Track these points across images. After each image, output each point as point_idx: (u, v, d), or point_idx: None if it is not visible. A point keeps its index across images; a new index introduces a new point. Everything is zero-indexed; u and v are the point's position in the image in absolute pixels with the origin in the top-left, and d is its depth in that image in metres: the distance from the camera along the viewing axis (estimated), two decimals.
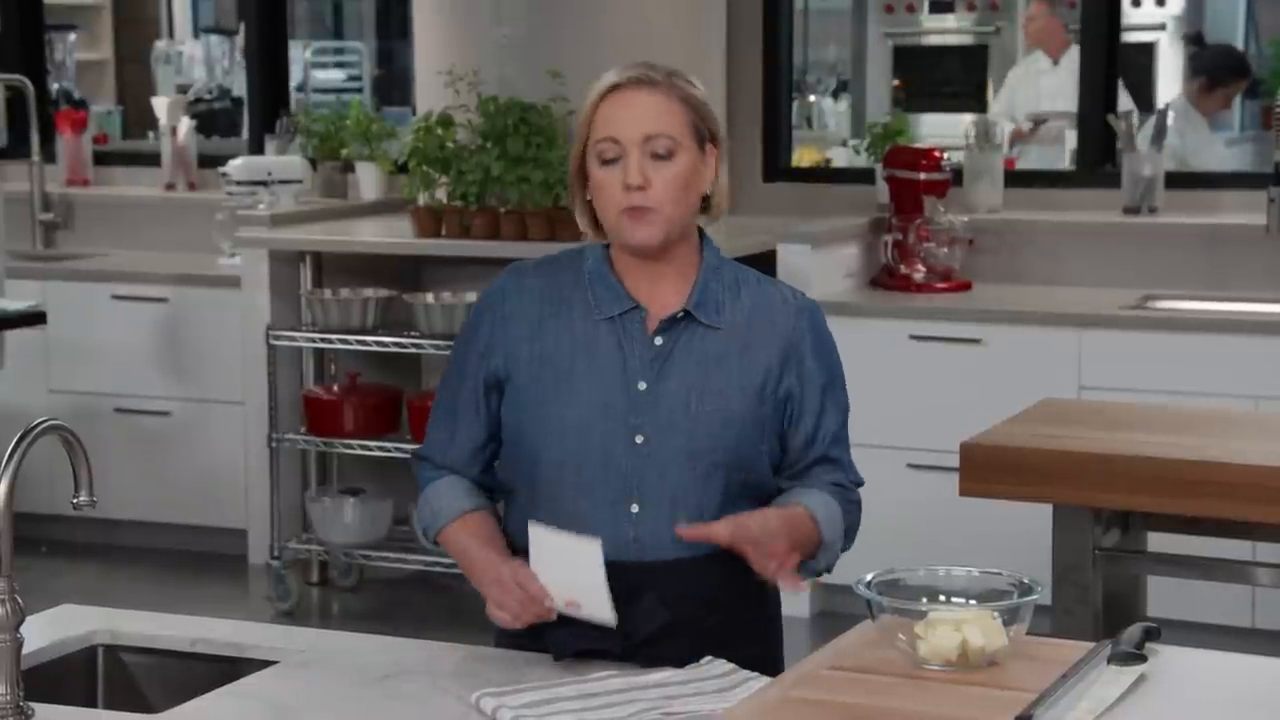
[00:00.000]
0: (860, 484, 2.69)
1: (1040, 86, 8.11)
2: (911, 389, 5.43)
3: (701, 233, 2.64)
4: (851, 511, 2.64)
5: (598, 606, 2.41)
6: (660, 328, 2.57)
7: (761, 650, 2.58)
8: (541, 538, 2.46)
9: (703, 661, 2.46)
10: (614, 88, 2.54)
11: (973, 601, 2.30)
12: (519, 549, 2.62)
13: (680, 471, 2.53)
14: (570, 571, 2.43)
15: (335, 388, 5.87)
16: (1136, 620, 3.99)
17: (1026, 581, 2.31)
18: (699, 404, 2.53)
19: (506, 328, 2.61)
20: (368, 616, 5.75)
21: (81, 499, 2.33)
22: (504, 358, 2.60)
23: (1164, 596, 4.29)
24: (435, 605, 5.85)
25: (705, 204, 2.61)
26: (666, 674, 2.43)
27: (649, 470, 2.53)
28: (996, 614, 2.25)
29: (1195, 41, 8.60)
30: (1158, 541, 4.00)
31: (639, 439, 2.53)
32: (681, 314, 2.57)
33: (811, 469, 2.62)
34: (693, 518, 2.53)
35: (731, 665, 2.44)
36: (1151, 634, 2.30)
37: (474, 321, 2.67)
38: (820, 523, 2.56)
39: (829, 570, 2.62)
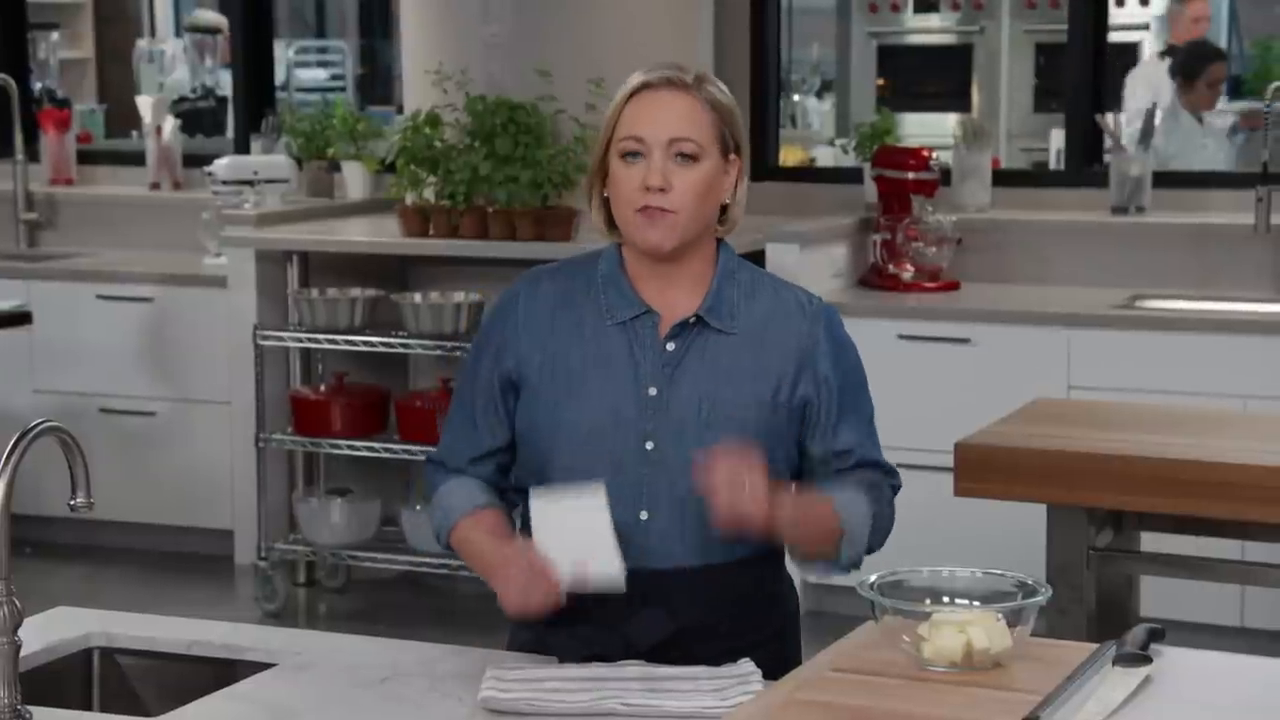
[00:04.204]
0: (897, 486, 2.62)
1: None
2: (900, 389, 5.41)
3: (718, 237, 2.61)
4: (882, 510, 2.58)
5: (606, 564, 2.38)
6: (672, 333, 2.54)
7: (772, 655, 2.54)
8: (544, 503, 2.44)
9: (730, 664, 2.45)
10: (643, 86, 2.52)
11: (976, 603, 2.30)
12: None
13: (690, 480, 2.48)
14: (575, 534, 2.40)
15: (322, 388, 5.85)
16: (1130, 620, 4.01)
17: (1031, 583, 2.30)
18: (711, 411, 2.50)
19: (519, 331, 2.58)
20: (355, 617, 5.73)
21: (79, 500, 2.33)
22: (516, 360, 2.57)
23: (1154, 596, 4.28)
24: (423, 606, 5.83)
25: (723, 213, 2.58)
26: (668, 670, 2.44)
27: (659, 478, 2.50)
28: (1000, 615, 2.24)
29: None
30: (1149, 541, 4.00)
31: (649, 445, 2.50)
32: (694, 319, 2.54)
33: (843, 474, 2.58)
34: (703, 527, 2.50)
35: (751, 668, 2.44)
36: (1155, 635, 2.29)
37: (487, 326, 2.64)
38: (841, 512, 2.53)
39: (856, 566, 2.57)
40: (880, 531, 2.58)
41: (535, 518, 2.46)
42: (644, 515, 2.51)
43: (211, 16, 10.21)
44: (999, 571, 2.34)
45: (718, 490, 2.39)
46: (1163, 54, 8.22)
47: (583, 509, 2.39)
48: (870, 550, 2.58)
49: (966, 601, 2.30)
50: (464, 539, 2.60)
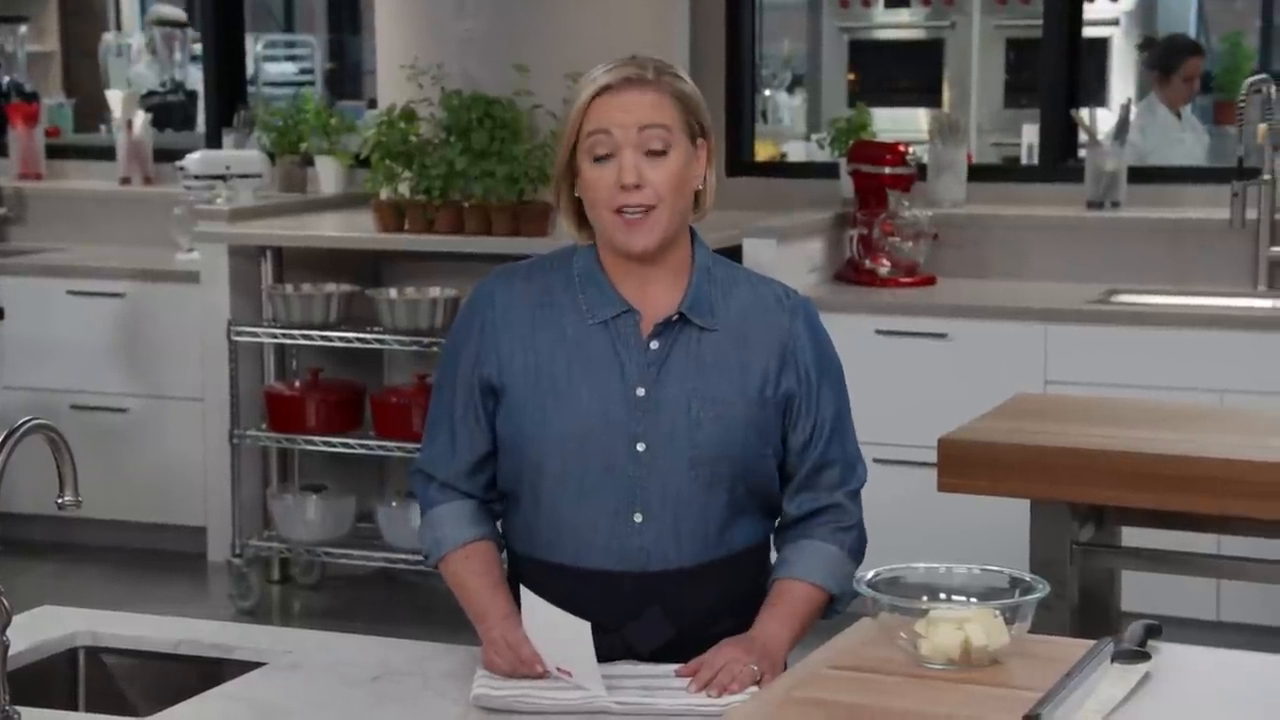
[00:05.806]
0: (858, 485, 2.61)
1: None
2: (877, 384, 5.40)
3: (692, 231, 2.58)
4: (852, 539, 2.58)
5: (589, 680, 2.35)
6: (655, 331, 2.51)
7: None
8: (534, 606, 2.40)
9: None
10: (605, 89, 2.47)
11: (973, 600, 2.29)
12: (519, 555, 2.60)
13: (683, 480, 2.48)
14: (561, 643, 2.37)
15: (297, 384, 5.81)
16: (1112, 615, 4.01)
17: (1028, 579, 2.29)
18: (700, 410, 2.48)
19: (498, 334, 2.54)
20: (330, 614, 5.70)
21: (67, 499, 2.32)
22: (498, 367, 2.53)
23: (1130, 590, 4.28)
24: (398, 602, 5.81)
25: (695, 200, 2.55)
26: (662, 667, 2.43)
27: (651, 479, 2.48)
28: (998, 612, 2.23)
29: (1146, 45, 8.65)
30: (1126, 536, 4.01)
31: (640, 447, 2.48)
32: (676, 316, 2.52)
33: (811, 478, 2.57)
34: (697, 527, 2.50)
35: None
36: (1153, 631, 2.29)
37: (463, 326, 2.59)
38: (825, 583, 2.54)
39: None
40: (857, 553, 2.59)
41: (525, 611, 2.42)
42: (638, 518, 2.49)
43: (172, 11, 10.16)
44: (996, 568, 2.33)
45: (701, 682, 2.37)
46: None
47: (571, 630, 2.34)
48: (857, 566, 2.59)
49: (964, 598, 2.29)
50: (453, 573, 2.57)
